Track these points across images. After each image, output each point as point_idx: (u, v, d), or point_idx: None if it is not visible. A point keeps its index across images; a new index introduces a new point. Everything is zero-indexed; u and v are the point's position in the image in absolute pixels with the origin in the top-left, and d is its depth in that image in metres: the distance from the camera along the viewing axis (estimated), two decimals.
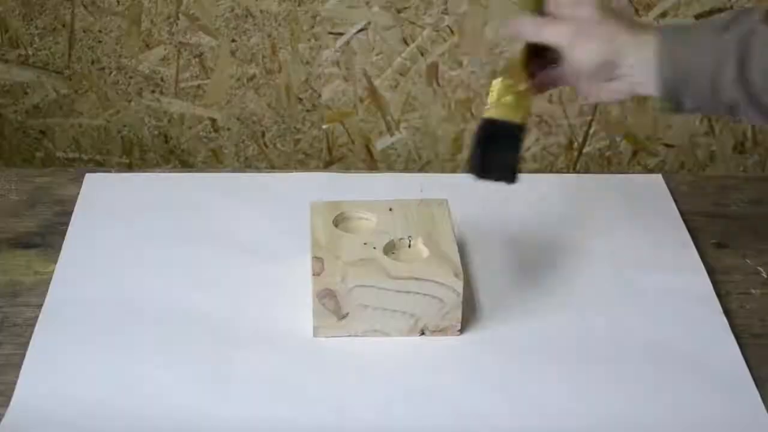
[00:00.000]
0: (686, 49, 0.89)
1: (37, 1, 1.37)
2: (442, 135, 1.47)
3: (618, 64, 0.91)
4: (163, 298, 1.04)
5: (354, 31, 1.39)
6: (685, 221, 1.16)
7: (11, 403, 0.92)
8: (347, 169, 1.47)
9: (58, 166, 1.46)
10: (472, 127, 1.47)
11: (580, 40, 0.92)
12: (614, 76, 0.92)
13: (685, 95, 0.90)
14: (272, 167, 1.48)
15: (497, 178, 0.95)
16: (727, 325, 1.02)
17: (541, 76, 0.98)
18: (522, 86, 0.95)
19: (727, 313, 1.04)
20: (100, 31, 1.39)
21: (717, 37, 0.88)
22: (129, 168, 1.47)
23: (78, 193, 1.19)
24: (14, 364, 0.96)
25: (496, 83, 0.96)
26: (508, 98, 0.95)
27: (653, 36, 0.91)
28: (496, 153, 0.95)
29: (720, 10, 1.37)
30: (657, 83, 0.90)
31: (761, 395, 0.94)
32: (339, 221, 1.04)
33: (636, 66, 0.91)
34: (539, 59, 0.97)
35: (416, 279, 0.97)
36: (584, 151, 1.48)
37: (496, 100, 0.95)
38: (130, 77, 1.42)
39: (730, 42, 0.88)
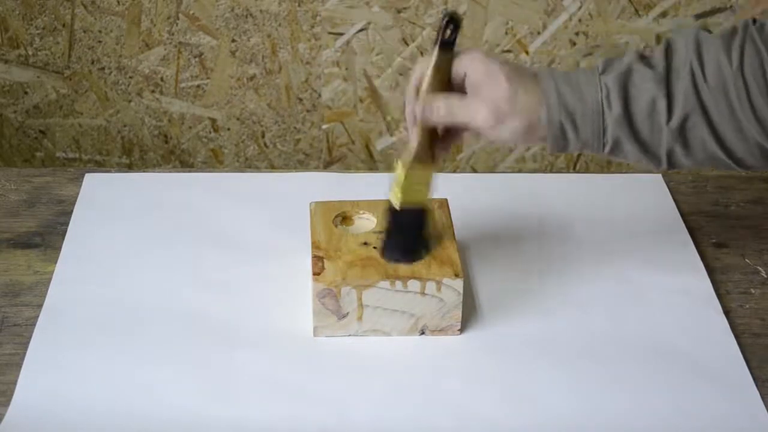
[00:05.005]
0: (571, 91, 0.92)
1: (37, 1, 1.37)
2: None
3: (536, 127, 0.93)
4: (163, 298, 1.04)
5: (354, 31, 1.39)
6: (685, 221, 1.16)
7: (12, 403, 0.92)
8: (347, 169, 1.47)
9: (58, 166, 1.46)
10: None
11: (502, 121, 0.92)
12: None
13: (571, 136, 0.93)
14: (272, 167, 1.48)
15: (405, 260, 0.98)
16: (727, 325, 1.02)
17: (445, 140, 0.98)
18: (427, 171, 0.97)
19: (727, 312, 1.04)
20: (100, 31, 1.39)
21: (596, 78, 0.92)
22: (129, 168, 1.47)
23: (78, 193, 1.19)
24: (15, 364, 0.96)
25: (400, 171, 0.96)
26: (413, 184, 0.97)
27: (540, 85, 0.92)
28: (403, 238, 0.98)
29: (720, 11, 1.37)
30: (548, 127, 0.92)
31: (761, 395, 0.94)
32: (339, 221, 1.04)
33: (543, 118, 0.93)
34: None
35: (416, 279, 0.97)
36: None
37: (402, 190, 0.97)
38: (130, 77, 1.42)
39: (610, 81, 0.91)
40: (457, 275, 0.97)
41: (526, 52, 1.40)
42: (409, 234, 0.99)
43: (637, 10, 1.38)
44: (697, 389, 0.95)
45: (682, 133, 0.91)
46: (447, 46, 0.92)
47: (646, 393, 0.94)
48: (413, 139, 0.96)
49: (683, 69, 0.91)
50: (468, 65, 0.93)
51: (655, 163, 0.94)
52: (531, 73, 0.94)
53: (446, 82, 0.93)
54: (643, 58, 0.93)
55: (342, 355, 0.97)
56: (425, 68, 0.94)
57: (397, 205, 0.98)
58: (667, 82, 0.91)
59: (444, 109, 0.94)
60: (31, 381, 0.94)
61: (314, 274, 0.97)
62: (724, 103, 0.91)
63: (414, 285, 0.97)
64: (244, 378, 0.95)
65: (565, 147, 0.93)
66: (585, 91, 0.91)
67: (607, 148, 0.93)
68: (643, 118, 0.91)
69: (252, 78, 1.42)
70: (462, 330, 1.00)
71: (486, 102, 0.92)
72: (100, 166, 1.47)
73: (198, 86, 1.43)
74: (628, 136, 0.92)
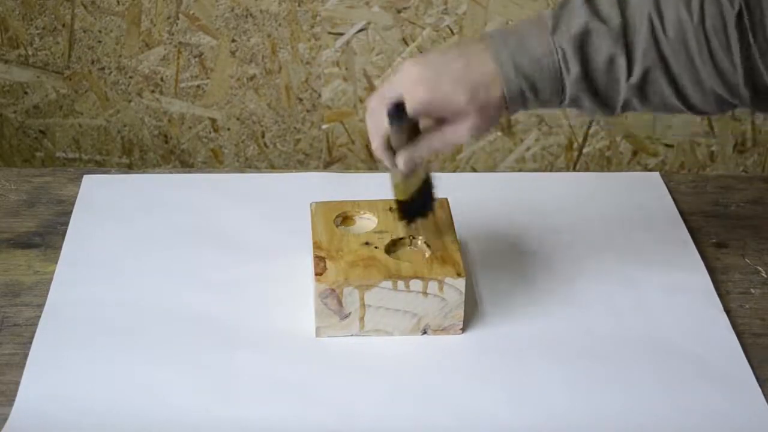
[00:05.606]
0: (528, 59, 0.91)
1: (37, 1, 1.37)
2: None
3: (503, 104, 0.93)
4: (163, 299, 1.04)
5: (354, 31, 1.39)
6: (685, 221, 1.16)
7: (15, 404, 0.91)
8: (347, 169, 1.47)
9: (57, 166, 1.46)
10: None
11: (486, 129, 0.94)
12: None
13: (530, 96, 0.92)
14: (272, 167, 1.48)
15: (421, 216, 1.03)
16: (729, 323, 1.02)
17: None
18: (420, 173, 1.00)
19: (727, 312, 1.04)
20: (100, 31, 1.39)
21: (547, 37, 0.91)
22: (129, 168, 1.47)
23: (78, 193, 1.18)
24: (15, 364, 0.96)
25: (395, 189, 1.00)
26: (410, 185, 1.00)
27: (489, 54, 0.92)
28: (415, 207, 1.02)
29: None
30: (507, 93, 0.92)
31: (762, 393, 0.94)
32: (339, 221, 1.04)
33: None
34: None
35: (419, 278, 0.97)
36: (584, 151, 1.48)
37: (402, 193, 1.00)
38: (130, 77, 1.42)
39: (565, 43, 0.90)
40: (459, 275, 0.97)
41: None
42: (414, 204, 1.02)
43: None
44: (699, 388, 0.95)
45: (641, 87, 0.91)
46: (403, 123, 0.94)
47: (648, 392, 0.94)
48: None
49: (641, 22, 0.90)
50: (426, 111, 0.93)
51: (608, 113, 0.94)
52: (481, 50, 0.93)
53: (413, 129, 0.95)
54: (595, 11, 0.91)
55: (344, 356, 0.97)
56: (381, 127, 0.94)
57: (398, 198, 1.01)
58: (625, 38, 0.90)
59: (426, 152, 0.95)
60: (34, 382, 0.94)
61: (316, 274, 0.97)
62: (683, 55, 0.90)
63: (416, 285, 0.97)
64: (245, 378, 0.95)
65: (524, 107, 0.94)
66: (541, 56, 0.91)
67: (565, 104, 0.93)
68: (601, 74, 0.91)
69: (252, 78, 1.42)
70: (464, 329, 1.00)
71: (462, 128, 0.93)
72: (100, 166, 1.47)
73: (198, 86, 1.43)
74: (585, 93, 0.92)
